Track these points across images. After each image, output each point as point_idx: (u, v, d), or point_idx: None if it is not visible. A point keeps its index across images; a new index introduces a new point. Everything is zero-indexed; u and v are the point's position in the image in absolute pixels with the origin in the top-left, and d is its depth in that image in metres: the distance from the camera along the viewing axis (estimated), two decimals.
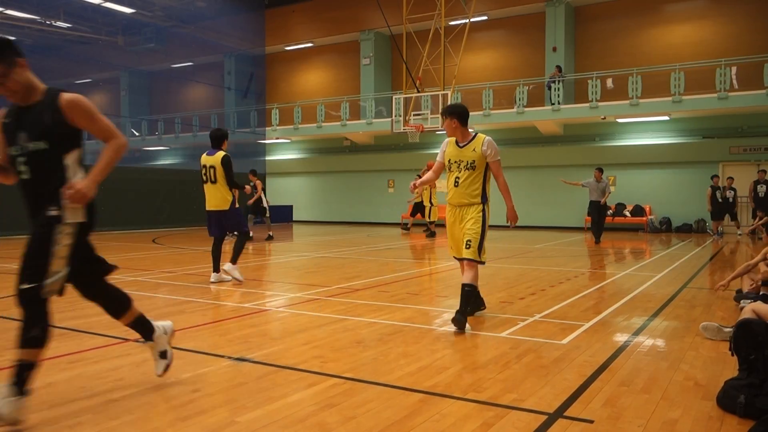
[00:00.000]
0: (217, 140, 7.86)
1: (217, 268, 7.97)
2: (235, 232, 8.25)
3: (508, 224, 5.48)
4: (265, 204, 16.56)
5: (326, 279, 8.41)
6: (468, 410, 3.19)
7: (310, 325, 5.34)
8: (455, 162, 5.37)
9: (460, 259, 5.42)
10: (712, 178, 17.39)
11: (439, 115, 17.93)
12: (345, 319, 5.54)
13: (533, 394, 3.44)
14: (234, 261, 7.91)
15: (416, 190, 16.65)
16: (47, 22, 26.08)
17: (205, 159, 7.82)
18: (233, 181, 7.80)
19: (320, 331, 5.09)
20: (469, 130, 5.44)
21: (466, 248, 5.26)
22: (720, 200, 16.99)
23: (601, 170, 15.30)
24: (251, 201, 15.95)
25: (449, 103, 18.15)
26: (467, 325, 5.10)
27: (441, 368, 3.96)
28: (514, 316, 5.70)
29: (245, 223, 8.32)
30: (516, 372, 3.88)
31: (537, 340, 4.74)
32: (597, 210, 15.25)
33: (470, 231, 5.27)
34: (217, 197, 7.80)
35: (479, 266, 5.37)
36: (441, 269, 9.80)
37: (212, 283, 7.87)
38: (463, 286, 5.23)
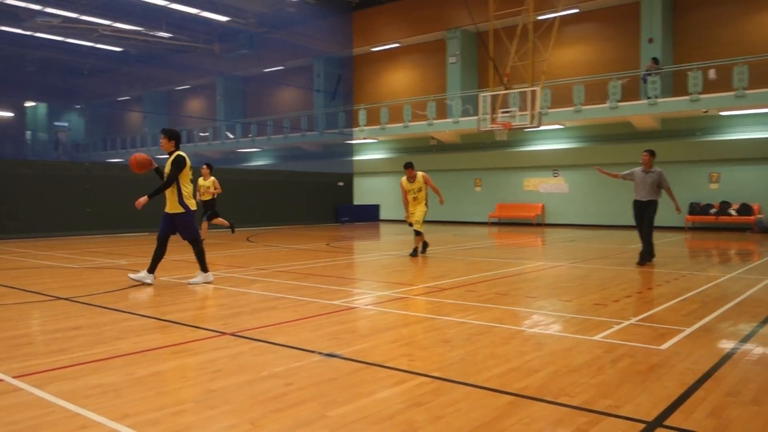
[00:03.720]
0: None
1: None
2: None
3: None
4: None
5: (413, 278, 8.44)
6: (560, 415, 3.11)
7: (397, 323, 5.38)
8: None
9: None
10: None
11: (528, 113, 17.53)
12: (432, 318, 5.54)
13: (630, 401, 3.29)
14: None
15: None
16: (150, 33, 27.80)
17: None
18: None
19: (408, 329, 5.12)
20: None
21: None
22: None
23: (652, 153, 10.02)
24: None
25: (538, 99, 17.75)
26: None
27: (531, 370, 3.88)
28: (608, 319, 5.48)
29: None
30: (611, 377, 3.73)
31: (633, 345, 4.53)
32: (641, 213, 10.06)
33: None
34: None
35: None
36: (529, 269, 9.59)
37: (193, 284, 7.71)
38: None
